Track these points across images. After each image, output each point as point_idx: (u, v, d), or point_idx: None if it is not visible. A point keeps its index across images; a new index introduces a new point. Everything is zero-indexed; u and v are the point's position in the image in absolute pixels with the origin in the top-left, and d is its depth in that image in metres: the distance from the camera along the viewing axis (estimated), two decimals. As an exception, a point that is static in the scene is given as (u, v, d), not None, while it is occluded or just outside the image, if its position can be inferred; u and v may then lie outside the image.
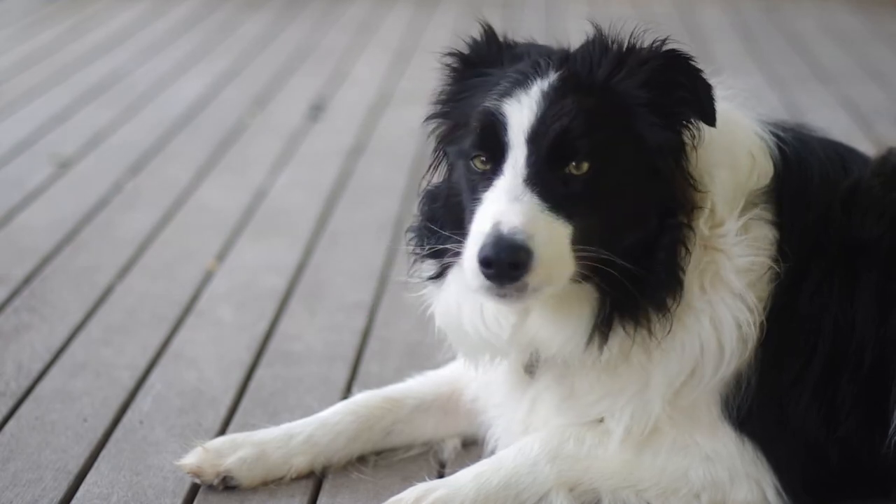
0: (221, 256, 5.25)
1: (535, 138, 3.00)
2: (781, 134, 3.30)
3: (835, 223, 3.23)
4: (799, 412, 3.18)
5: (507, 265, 2.90)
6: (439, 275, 3.23)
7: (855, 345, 3.18)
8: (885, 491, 3.23)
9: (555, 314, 3.11)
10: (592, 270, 3.00)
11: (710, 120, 3.07)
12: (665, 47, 3.11)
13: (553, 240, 2.94)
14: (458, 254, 3.09)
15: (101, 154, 6.73)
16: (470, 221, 3.03)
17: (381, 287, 4.89)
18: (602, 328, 3.08)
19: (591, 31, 3.18)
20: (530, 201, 2.95)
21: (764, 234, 3.18)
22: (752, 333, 3.13)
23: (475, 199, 3.04)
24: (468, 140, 3.09)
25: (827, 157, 3.34)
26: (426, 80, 8.87)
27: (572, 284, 3.03)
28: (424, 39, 9.67)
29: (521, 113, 3.02)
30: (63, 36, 9.71)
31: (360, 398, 3.59)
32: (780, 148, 3.26)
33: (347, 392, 3.96)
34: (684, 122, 3.07)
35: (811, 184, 3.26)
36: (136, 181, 6.27)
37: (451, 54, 3.26)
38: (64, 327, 4.50)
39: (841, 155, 3.38)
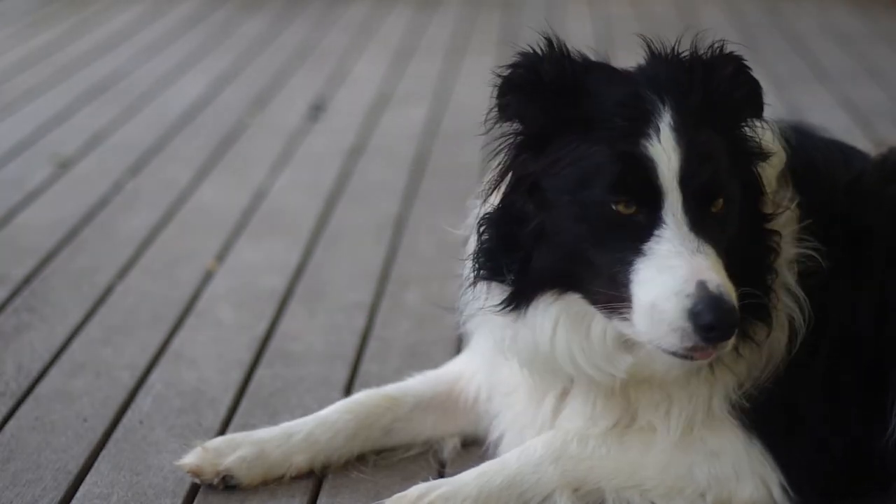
0: (221, 256, 5.25)
1: (687, 181, 2.90)
2: (783, 127, 3.31)
3: (838, 210, 3.24)
4: (803, 405, 3.18)
5: (728, 328, 2.85)
6: (517, 306, 3.11)
7: (856, 336, 3.19)
8: (884, 486, 3.22)
9: None
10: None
11: (762, 115, 3.10)
12: (731, 53, 3.08)
13: (733, 288, 2.89)
14: (554, 290, 3.04)
15: (101, 154, 6.73)
16: (619, 272, 2.92)
17: (381, 287, 4.89)
18: None
19: (645, 45, 3.11)
20: (710, 252, 2.89)
21: (793, 216, 3.19)
22: (802, 329, 3.13)
23: (628, 249, 2.91)
24: (599, 184, 2.93)
25: (828, 149, 3.37)
26: (426, 80, 8.91)
27: None
28: (424, 39, 9.68)
29: (667, 155, 2.91)
30: (63, 36, 9.71)
31: (360, 397, 3.59)
32: (785, 138, 3.27)
33: (347, 392, 3.96)
34: (757, 129, 3.08)
35: (817, 169, 3.28)
36: (136, 181, 6.27)
37: (517, 75, 3.07)
38: (64, 327, 4.50)
39: (842, 151, 3.41)
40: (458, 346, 3.74)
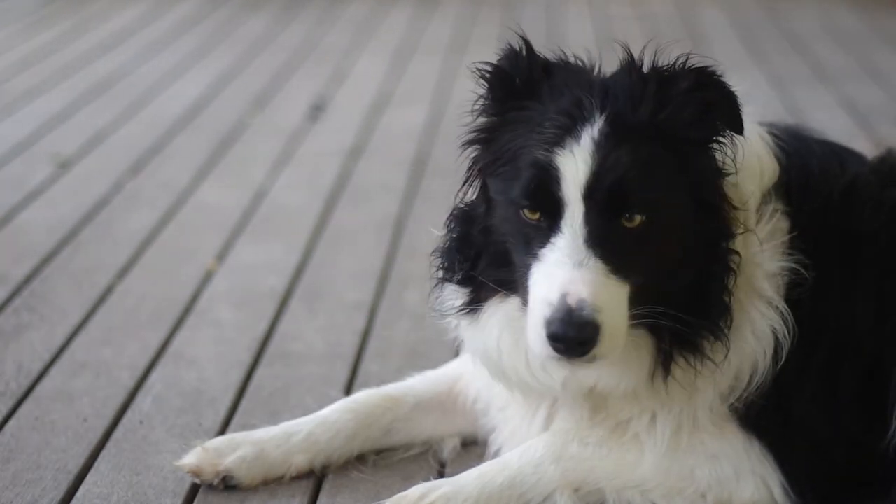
0: (221, 256, 5.25)
1: (592, 194, 2.91)
2: (779, 133, 3.31)
3: (834, 216, 3.23)
4: (803, 407, 3.18)
5: (575, 342, 2.87)
6: (472, 308, 3.16)
7: (855, 339, 3.18)
8: (885, 489, 3.22)
9: (612, 361, 3.04)
10: (645, 322, 2.98)
11: (740, 130, 3.04)
12: (694, 67, 3.03)
13: (617, 307, 2.90)
14: (500, 292, 3.09)
15: (101, 154, 6.73)
16: (523, 274, 2.97)
17: (381, 287, 4.89)
18: (663, 364, 3.06)
19: (622, 56, 3.08)
20: (594, 267, 2.89)
21: (781, 228, 3.18)
22: (787, 342, 3.13)
23: (530, 254, 2.96)
24: (517, 187, 2.98)
25: (824, 154, 3.35)
26: (426, 80, 8.91)
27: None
28: (424, 39, 9.68)
29: (575, 166, 2.91)
30: (63, 36, 9.71)
31: (359, 396, 3.59)
32: (779, 146, 3.26)
33: (347, 392, 3.96)
34: (718, 142, 3.03)
35: (812, 177, 3.26)
36: (136, 181, 6.27)
37: (491, 73, 3.11)
38: (64, 327, 4.50)
39: (838, 154, 3.39)
40: (457, 346, 3.74)
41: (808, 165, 3.28)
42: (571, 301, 2.86)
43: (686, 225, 3.00)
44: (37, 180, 6.22)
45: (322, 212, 5.81)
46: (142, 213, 5.75)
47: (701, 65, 3.04)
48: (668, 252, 2.98)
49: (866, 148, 3.82)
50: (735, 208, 3.06)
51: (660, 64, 3.05)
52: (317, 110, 7.59)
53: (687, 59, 3.04)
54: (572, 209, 2.92)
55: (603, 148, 2.92)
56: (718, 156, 3.04)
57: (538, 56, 3.11)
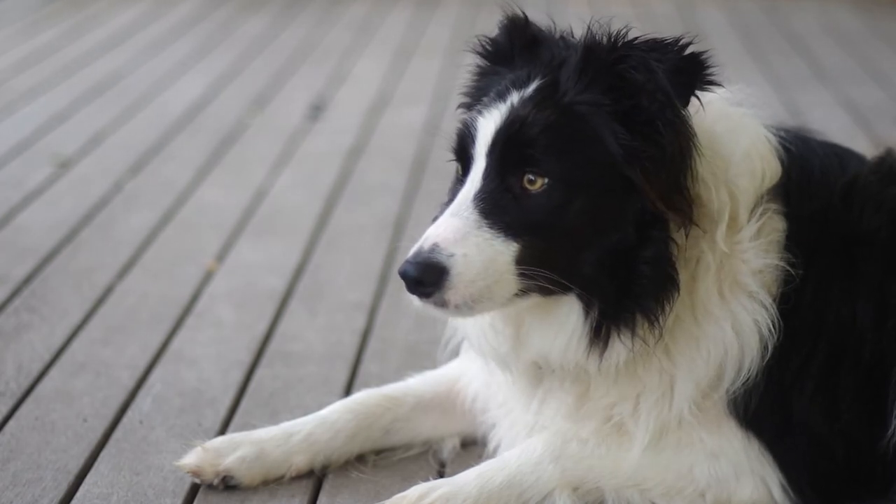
0: (221, 256, 5.25)
1: (493, 150, 3.05)
2: (783, 135, 3.31)
3: (834, 216, 3.24)
4: (803, 406, 3.18)
5: (414, 281, 2.97)
6: None
7: (855, 338, 3.19)
8: (883, 489, 3.23)
9: (545, 324, 3.11)
10: (561, 284, 3.00)
11: (684, 103, 2.99)
12: (620, 43, 3.05)
13: (483, 259, 2.97)
14: None
15: (101, 154, 6.73)
16: None
17: (381, 287, 4.89)
18: (596, 336, 3.07)
19: (582, 33, 3.15)
20: (468, 218, 3.00)
21: (775, 227, 3.19)
22: (772, 336, 3.14)
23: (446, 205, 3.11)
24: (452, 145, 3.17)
25: (825, 155, 3.36)
26: (426, 80, 8.90)
27: (554, 295, 3.05)
28: (424, 39, 9.68)
29: (486, 127, 3.06)
30: (63, 36, 9.71)
31: (359, 396, 3.60)
32: (783, 147, 3.27)
33: (347, 392, 3.97)
34: (658, 125, 2.97)
35: (813, 178, 3.27)
36: (136, 181, 6.27)
37: (480, 43, 3.27)
38: (64, 327, 4.50)
39: (838, 154, 3.40)
40: (457, 346, 3.74)
41: (809, 167, 3.29)
42: (425, 244, 2.98)
43: (603, 198, 3.01)
44: (37, 180, 6.22)
45: (322, 212, 5.81)
46: (142, 213, 5.75)
47: (628, 41, 3.04)
48: (579, 222, 3.00)
49: (866, 148, 3.82)
50: (686, 199, 3.02)
51: (601, 37, 3.08)
52: (317, 110, 7.59)
53: (616, 38, 3.06)
54: (478, 165, 3.05)
55: (515, 111, 3.04)
56: (665, 139, 2.97)
57: (529, 27, 3.23)
